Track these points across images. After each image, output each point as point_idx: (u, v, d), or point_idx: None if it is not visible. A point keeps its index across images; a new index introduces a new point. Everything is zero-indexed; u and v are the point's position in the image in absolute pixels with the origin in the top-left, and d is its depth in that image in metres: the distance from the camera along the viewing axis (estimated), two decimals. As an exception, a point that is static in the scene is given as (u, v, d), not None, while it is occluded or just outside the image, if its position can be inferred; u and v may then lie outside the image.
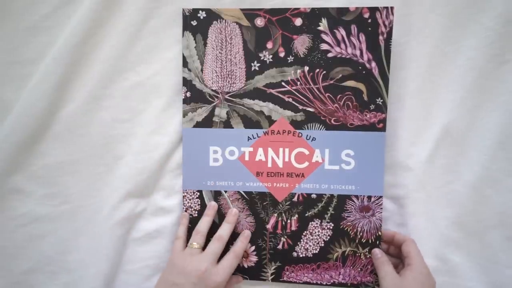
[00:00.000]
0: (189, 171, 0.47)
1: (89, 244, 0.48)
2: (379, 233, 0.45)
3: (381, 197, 0.45)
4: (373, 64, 0.44)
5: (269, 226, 0.46)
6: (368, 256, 0.45)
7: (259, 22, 0.45)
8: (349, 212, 0.46)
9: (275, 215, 0.46)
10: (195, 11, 0.45)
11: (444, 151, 0.45)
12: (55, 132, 0.47)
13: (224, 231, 0.44)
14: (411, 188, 0.46)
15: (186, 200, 0.47)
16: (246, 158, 0.46)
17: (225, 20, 0.45)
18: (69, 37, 0.45)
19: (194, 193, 0.47)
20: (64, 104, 0.47)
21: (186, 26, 0.46)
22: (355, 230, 0.45)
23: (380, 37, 0.43)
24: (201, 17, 0.45)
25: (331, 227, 0.46)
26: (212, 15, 0.45)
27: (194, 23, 0.46)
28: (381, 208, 0.45)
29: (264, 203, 0.46)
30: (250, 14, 0.45)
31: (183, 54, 0.46)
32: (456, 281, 0.45)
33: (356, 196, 0.45)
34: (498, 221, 0.44)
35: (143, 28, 0.47)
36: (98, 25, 0.46)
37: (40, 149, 0.47)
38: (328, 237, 0.46)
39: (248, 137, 0.46)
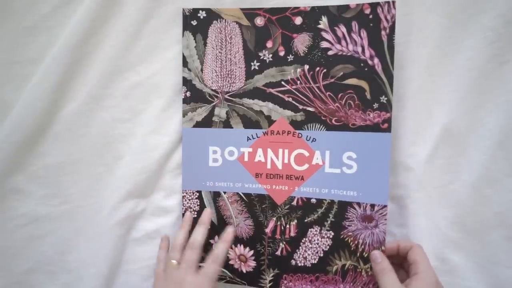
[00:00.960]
0: (188, 171, 0.47)
1: (89, 244, 0.48)
2: (383, 247, 0.42)
3: (385, 206, 0.42)
4: (376, 60, 0.42)
5: (267, 230, 0.45)
6: (370, 274, 0.43)
7: (259, 21, 0.44)
8: (350, 220, 0.43)
9: (274, 219, 0.45)
10: (195, 11, 0.45)
11: (444, 151, 0.45)
12: (55, 132, 0.47)
13: (197, 235, 0.43)
14: (411, 188, 0.45)
15: (185, 200, 0.47)
16: (246, 158, 0.46)
17: (225, 20, 0.45)
18: (69, 37, 0.45)
19: (193, 193, 0.47)
20: (64, 104, 0.47)
21: (186, 26, 0.46)
22: (356, 242, 0.43)
23: (383, 32, 0.41)
24: (201, 17, 0.45)
25: (331, 236, 0.44)
26: (212, 15, 0.45)
27: (194, 23, 0.46)
28: (386, 219, 0.42)
29: (263, 206, 0.45)
30: (250, 13, 0.45)
31: (183, 54, 0.46)
32: (456, 281, 0.45)
33: (358, 204, 0.43)
34: (498, 221, 0.44)
35: (143, 28, 0.47)
36: (98, 25, 0.46)
37: (40, 149, 0.47)
38: (328, 247, 0.44)
39: (248, 137, 0.45)
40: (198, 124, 0.46)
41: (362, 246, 0.43)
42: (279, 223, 0.45)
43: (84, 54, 0.46)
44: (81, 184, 0.48)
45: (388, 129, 0.42)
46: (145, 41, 0.47)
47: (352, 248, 0.43)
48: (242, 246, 0.46)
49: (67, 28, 0.45)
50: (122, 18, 0.46)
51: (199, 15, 0.45)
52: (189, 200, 0.47)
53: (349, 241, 0.43)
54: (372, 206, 0.42)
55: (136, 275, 0.48)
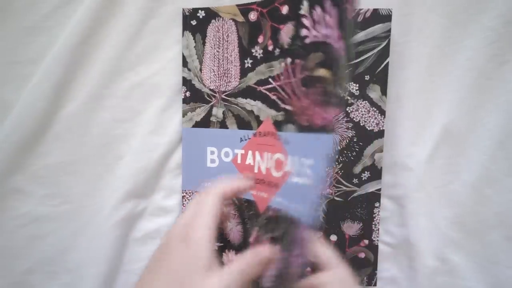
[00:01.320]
0: (188, 171, 0.47)
1: (89, 244, 0.48)
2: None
3: (314, 231, 0.32)
4: (341, 43, 0.32)
5: (251, 239, 0.41)
6: None
7: (252, 16, 0.43)
8: (294, 243, 0.33)
9: (256, 228, 0.40)
10: (195, 10, 0.45)
11: (444, 151, 0.45)
12: (55, 132, 0.47)
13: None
14: (411, 188, 0.45)
15: (185, 200, 0.47)
16: (239, 160, 0.44)
17: (223, 18, 0.44)
18: (69, 37, 0.45)
19: (193, 193, 0.47)
20: (64, 104, 0.47)
21: (186, 26, 0.46)
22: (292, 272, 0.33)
23: (348, 6, 0.31)
24: (200, 17, 0.45)
25: (282, 259, 0.34)
26: (211, 14, 0.45)
27: (193, 22, 0.45)
28: (308, 249, 0.32)
29: (250, 213, 0.43)
30: (245, 9, 0.43)
31: (183, 53, 0.46)
32: (456, 281, 0.45)
33: (302, 224, 0.33)
34: (498, 221, 0.44)
35: (143, 28, 0.47)
36: (98, 25, 0.46)
37: (40, 149, 0.47)
38: (279, 272, 0.34)
39: (241, 138, 0.44)
40: (197, 124, 0.46)
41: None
42: (259, 233, 0.39)
43: (84, 54, 0.46)
44: (82, 184, 0.48)
45: (334, 130, 0.33)
46: (145, 41, 0.47)
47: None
48: (234, 252, 0.46)
49: (67, 28, 0.46)
50: (122, 18, 0.46)
51: (198, 14, 0.45)
52: (189, 200, 0.47)
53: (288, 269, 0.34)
54: (304, 228, 0.32)
55: (137, 275, 0.48)
